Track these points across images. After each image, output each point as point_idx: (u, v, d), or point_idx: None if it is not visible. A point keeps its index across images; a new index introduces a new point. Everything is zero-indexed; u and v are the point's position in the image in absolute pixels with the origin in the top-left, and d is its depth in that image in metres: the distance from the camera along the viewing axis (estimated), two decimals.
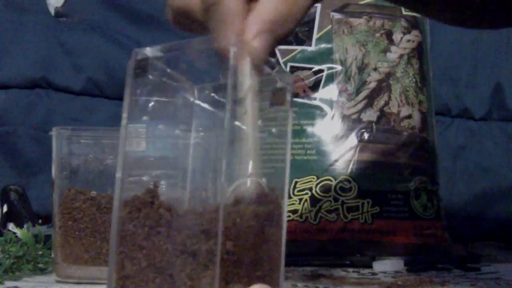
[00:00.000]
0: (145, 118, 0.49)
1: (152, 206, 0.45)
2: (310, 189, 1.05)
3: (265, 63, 0.49)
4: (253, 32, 0.48)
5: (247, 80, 0.47)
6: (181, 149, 0.53)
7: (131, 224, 0.45)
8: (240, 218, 0.45)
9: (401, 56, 1.10)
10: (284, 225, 0.49)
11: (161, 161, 0.52)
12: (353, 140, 1.06)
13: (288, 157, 0.50)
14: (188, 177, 0.50)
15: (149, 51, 0.49)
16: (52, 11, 1.41)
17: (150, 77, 0.48)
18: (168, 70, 0.49)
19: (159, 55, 0.48)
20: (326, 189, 1.05)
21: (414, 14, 1.12)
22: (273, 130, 0.51)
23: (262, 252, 0.46)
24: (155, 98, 0.49)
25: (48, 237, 0.93)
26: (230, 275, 0.44)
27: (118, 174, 0.47)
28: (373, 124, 1.07)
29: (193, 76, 0.50)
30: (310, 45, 1.10)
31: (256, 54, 0.48)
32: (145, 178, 0.50)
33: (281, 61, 1.10)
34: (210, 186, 0.49)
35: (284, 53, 1.11)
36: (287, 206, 0.50)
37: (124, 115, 0.48)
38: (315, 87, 1.09)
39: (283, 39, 0.50)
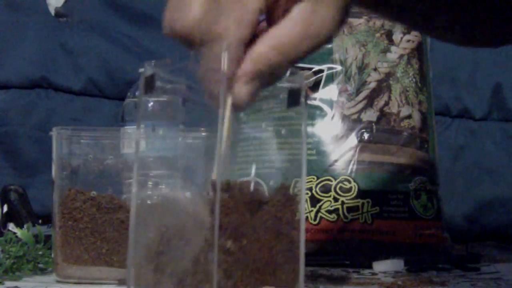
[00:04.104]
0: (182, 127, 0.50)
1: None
2: (310, 189, 1.05)
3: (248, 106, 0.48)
4: (241, 78, 0.46)
5: (226, 124, 0.46)
6: (181, 149, 0.53)
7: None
8: (241, 216, 0.45)
9: (401, 56, 1.10)
10: (302, 227, 0.49)
11: (161, 161, 0.52)
12: (353, 140, 1.06)
13: (304, 156, 0.50)
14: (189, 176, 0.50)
15: (156, 66, 0.49)
16: (52, 11, 1.41)
17: (159, 90, 0.49)
18: (177, 81, 0.50)
19: (166, 69, 0.49)
20: (326, 189, 1.05)
21: None
22: (283, 131, 0.51)
23: (273, 254, 0.46)
24: (154, 99, 0.49)
25: (48, 237, 0.93)
26: (234, 276, 0.44)
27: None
28: (373, 124, 1.07)
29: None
30: None
31: (238, 100, 0.47)
32: (144, 178, 0.50)
33: None
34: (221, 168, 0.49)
35: None
36: (304, 206, 0.50)
37: (136, 131, 0.48)
38: (315, 87, 1.09)
39: (271, 84, 0.49)
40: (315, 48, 0.48)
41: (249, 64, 0.46)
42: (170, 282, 0.44)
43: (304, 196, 0.50)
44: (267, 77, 0.47)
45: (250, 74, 0.47)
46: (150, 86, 0.49)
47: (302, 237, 0.48)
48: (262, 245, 0.46)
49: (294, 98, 0.50)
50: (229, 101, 0.46)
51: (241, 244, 0.44)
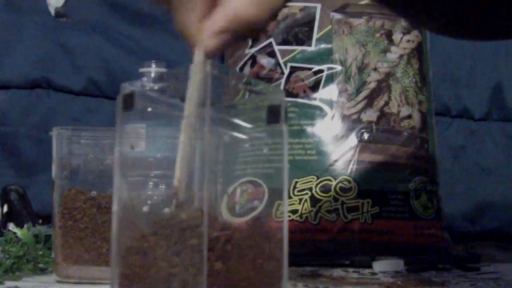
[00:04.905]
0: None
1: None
2: (310, 189, 1.05)
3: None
4: (213, 30, 0.48)
5: (195, 77, 0.47)
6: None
7: (130, 258, 0.45)
8: (227, 236, 0.45)
9: (401, 56, 1.11)
10: (285, 259, 0.49)
11: (160, 161, 0.52)
12: (353, 140, 1.07)
13: (286, 171, 0.50)
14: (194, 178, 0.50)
15: (135, 85, 0.50)
16: (52, 11, 1.41)
17: (138, 108, 0.49)
18: (159, 99, 0.50)
19: (146, 88, 0.49)
20: (326, 189, 1.05)
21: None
22: (265, 150, 0.51)
23: (257, 271, 0.46)
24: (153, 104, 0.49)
25: (48, 237, 0.93)
26: None
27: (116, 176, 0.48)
28: (373, 124, 1.07)
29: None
30: (310, 45, 1.10)
31: (207, 52, 0.48)
32: (144, 178, 0.50)
33: (281, 61, 1.10)
34: (209, 187, 0.49)
35: (284, 53, 1.11)
36: (287, 209, 0.50)
37: (117, 148, 0.48)
38: (315, 87, 1.09)
39: (243, 40, 0.51)
40: (273, 11, 0.49)
41: (217, 21, 0.48)
42: None
43: (287, 223, 0.50)
44: (237, 32, 0.49)
45: (218, 29, 0.48)
46: (129, 104, 0.49)
47: (285, 252, 0.48)
48: (247, 263, 0.45)
49: (273, 115, 0.50)
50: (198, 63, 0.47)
51: (229, 265, 0.44)
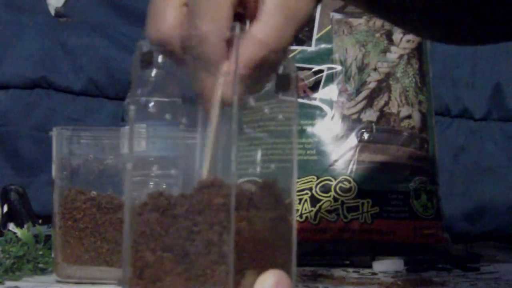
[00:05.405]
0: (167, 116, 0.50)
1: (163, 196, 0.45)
2: (310, 189, 1.05)
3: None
4: (232, 79, 0.46)
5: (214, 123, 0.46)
6: (181, 149, 0.53)
7: (147, 215, 0.44)
8: (251, 209, 0.45)
9: (401, 56, 1.11)
10: (294, 223, 0.49)
11: (161, 161, 0.52)
12: (353, 140, 1.07)
13: (295, 145, 0.49)
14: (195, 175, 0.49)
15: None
16: (52, 11, 1.41)
17: (155, 69, 0.49)
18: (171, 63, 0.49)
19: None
20: (326, 189, 1.05)
21: None
22: (272, 127, 0.51)
23: (274, 246, 0.46)
24: (155, 98, 0.49)
25: (48, 237, 0.93)
26: (245, 264, 0.44)
27: (129, 167, 0.47)
28: (373, 124, 1.07)
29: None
30: (310, 45, 1.10)
31: (228, 98, 0.46)
32: (145, 178, 0.50)
33: None
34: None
35: None
36: (295, 202, 0.50)
37: (132, 107, 0.48)
38: (315, 87, 1.09)
39: (265, 78, 0.49)
40: (297, 31, 0.48)
41: (238, 67, 0.46)
42: (176, 263, 0.43)
43: (295, 190, 0.49)
44: (259, 73, 0.47)
45: (240, 76, 0.46)
46: (147, 62, 0.48)
47: (294, 219, 0.48)
48: (266, 224, 0.45)
49: (283, 83, 0.50)
50: (217, 99, 0.46)
51: (251, 224, 0.44)
